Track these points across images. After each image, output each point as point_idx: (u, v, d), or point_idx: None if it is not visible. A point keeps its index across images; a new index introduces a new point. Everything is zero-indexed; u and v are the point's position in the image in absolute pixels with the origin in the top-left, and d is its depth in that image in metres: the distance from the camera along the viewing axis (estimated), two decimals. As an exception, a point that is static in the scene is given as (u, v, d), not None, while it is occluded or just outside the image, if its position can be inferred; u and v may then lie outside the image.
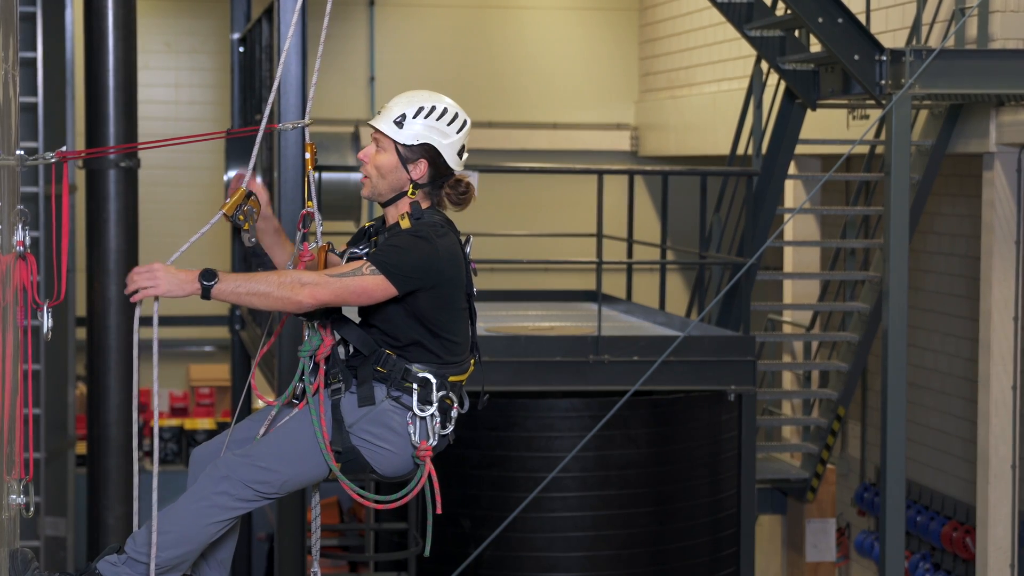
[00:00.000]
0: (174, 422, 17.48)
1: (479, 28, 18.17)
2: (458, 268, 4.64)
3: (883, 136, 10.10)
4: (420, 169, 4.65)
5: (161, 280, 4.50)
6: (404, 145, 4.63)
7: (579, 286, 14.57)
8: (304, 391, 4.66)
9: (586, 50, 18.40)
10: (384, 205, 4.72)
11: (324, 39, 4.77)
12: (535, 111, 18.22)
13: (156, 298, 4.54)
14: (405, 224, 4.63)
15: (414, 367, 4.61)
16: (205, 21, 17.99)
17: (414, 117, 4.63)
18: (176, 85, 18.10)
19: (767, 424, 12.50)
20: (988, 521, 10.29)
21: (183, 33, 18.10)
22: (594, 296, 11.69)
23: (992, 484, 10.26)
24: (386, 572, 10.55)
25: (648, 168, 15.89)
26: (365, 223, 4.91)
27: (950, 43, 10.23)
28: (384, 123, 4.64)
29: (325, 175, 11.29)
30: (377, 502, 4.71)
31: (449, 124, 4.66)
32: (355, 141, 12.74)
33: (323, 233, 4.82)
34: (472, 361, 4.77)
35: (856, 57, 9.72)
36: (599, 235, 10.48)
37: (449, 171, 4.69)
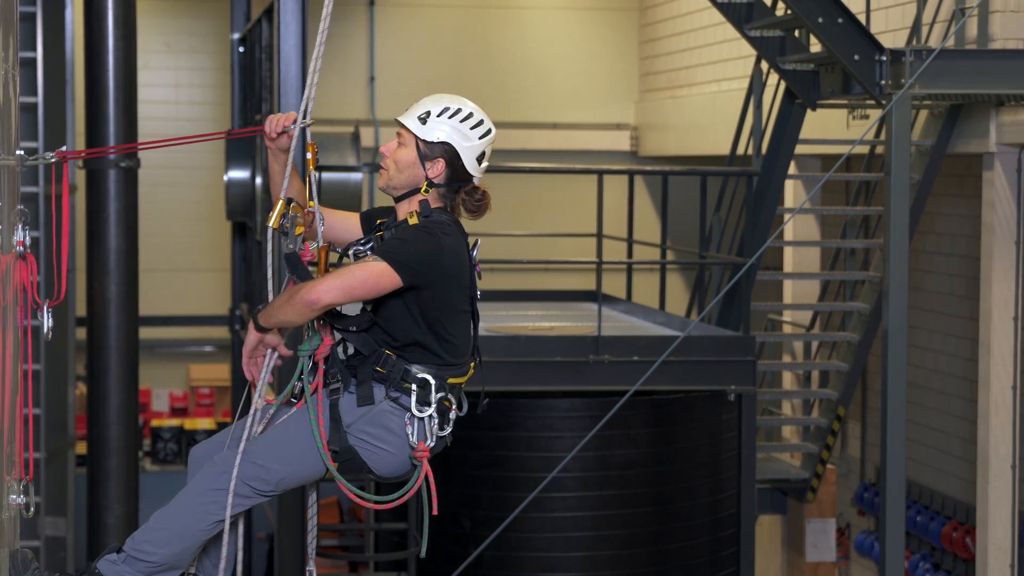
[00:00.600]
0: (174, 422, 17.46)
1: (479, 28, 18.16)
2: (461, 268, 4.65)
3: (883, 136, 10.10)
4: (437, 168, 4.68)
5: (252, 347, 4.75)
6: (425, 141, 4.66)
7: (579, 286, 14.57)
8: (303, 390, 4.67)
9: (586, 50, 18.40)
10: (397, 200, 4.75)
11: (323, 40, 4.77)
12: (535, 111, 18.21)
13: None
14: (413, 221, 4.66)
15: (414, 368, 4.61)
16: (205, 21, 17.98)
17: (438, 116, 4.67)
18: (176, 85, 18.09)
19: (767, 424, 12.50)
20: (988, 521, 10.28)
21: (183, 33, 18.09)
22: (594, 296, 11.69)
23: (992, 484, 10.26)
24: (386, 572, 10.55)
25: (648, 168, 15.88)
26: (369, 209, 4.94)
27: (950, 43, 10.23)
28: (409, 118, 4.69)
29: (325, 175, 11.29)
30: (374, 502, 4.71)
31: (472, 128, 4.69)
32: (355, 141, 12.74)
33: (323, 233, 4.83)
34: (472, 364, 4.77)
35: (856, 57, 9.72)
36: (599, 235, 10.48)
37: (466, 175, 4.72)
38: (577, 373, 9.82)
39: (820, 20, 9.74)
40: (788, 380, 13.65)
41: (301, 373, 4.68)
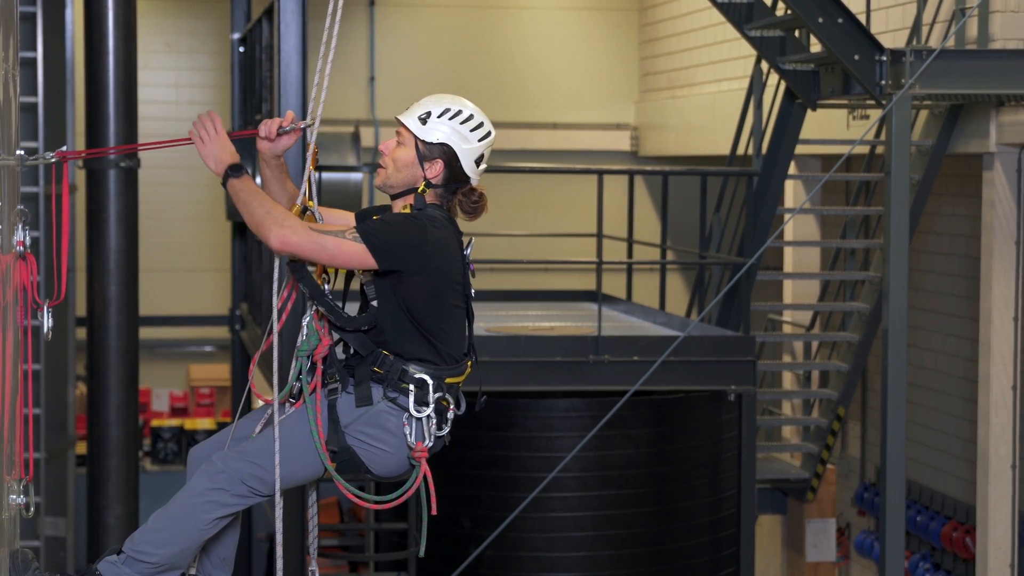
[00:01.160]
0: (174, 422, 17.47)
1: (479, 28, 18.17)
2: (450, 263, 4.63)
3: (883, 136, 10.10)
4: (435, 169, 4.67)
5: (211, 147, 4.61)
6: (424, 142, 4.65)
7: (579, 286, 14.56)
8: (301, 390, 4.67)
9: (586, 50, 18.40)
10: (393, 198, 4.75)
11: (325, 40, 4.77)
12: (535, 111, 18.21)
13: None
14: (405, 211, 4.66)
15: (411, 368, 4.60)
16: (205, 21, 17.99)
17: (439, 116, 4.66)
18: (176, 85, 18.10)
19: (767, 424, 12.50)
20: (988, 521, 10.28)
21: (183, 33, 18.10)
22: (594, 296, 11.69)
23: (992, 484, 10.26)
24: (386, 572, 10.54)
25: (648, 168, 15.89)
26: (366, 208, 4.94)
27: (950, 43, 10.23)
28: (409, 118, 4.68)
29: (325, 175, 11.30)
30: (373, 502, 4.71)
31: (472, 130, 4.68)
32: (355, 141, 12.75)
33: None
34: (469, 363, 4.76)
35: (856, 57, 9.72)
36: (599, 235, 10.48)
37: (464, 177, 4.71)
38: (577, 373, 9.82)
39: (820, 20, 9.74)
40: (788, 380, 13.65)
41: (300, 373, 4.67)
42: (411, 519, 9.76)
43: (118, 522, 9.52)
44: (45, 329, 4.53)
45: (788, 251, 13.71)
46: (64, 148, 4.77)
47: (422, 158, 4.66)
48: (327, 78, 4.83)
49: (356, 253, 4.50)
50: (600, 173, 10.55)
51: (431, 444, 4.65)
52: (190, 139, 4.65)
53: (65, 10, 11.47)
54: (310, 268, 4.71)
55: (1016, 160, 10.22)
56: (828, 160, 12.75)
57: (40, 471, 10.84)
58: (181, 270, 17.79)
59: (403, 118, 4.70)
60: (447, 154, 4.67)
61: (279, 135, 4.72)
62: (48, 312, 4.54)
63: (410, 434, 4.60)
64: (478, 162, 4.73)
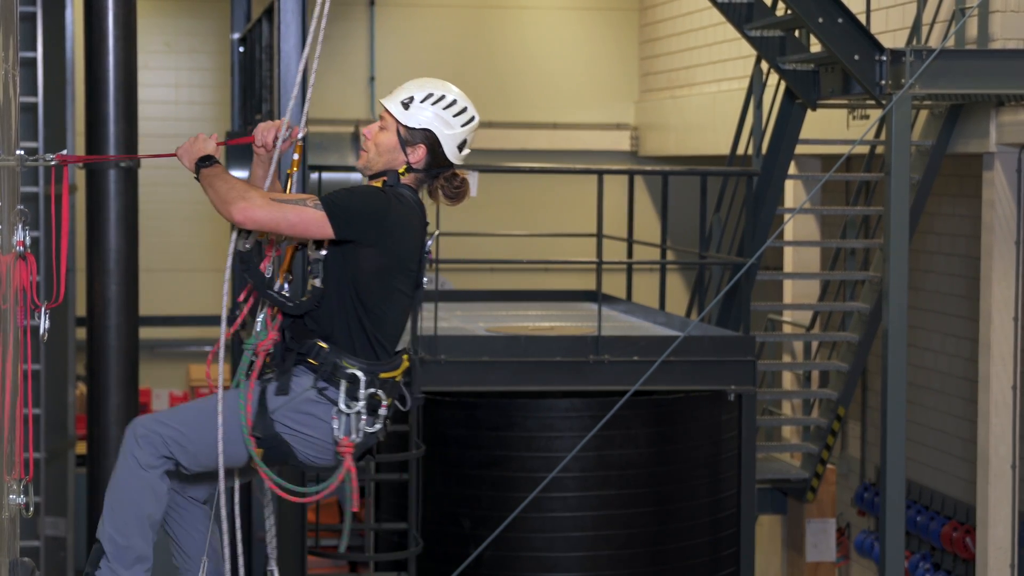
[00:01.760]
0: (174, 422, 17.44)
1: (479, 28, 18.16)
2: (406, 243, 4.60)
3: (883, 136, 10.10)
4: (418, 154, 4.64)
5: (187, 147, 4.78)
6: (406, 127, 4.63)
7: (579, 286, 14.56)
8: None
9: (586, 50, 18.40)
10: (370, 179, 4.71)
11: (311, 42, 4.76)
12: (535, 111, 18.21)
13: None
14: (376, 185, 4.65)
15: (344, 361, 4.57)
16: (205, 21, 17.98)
17: (422, 102, 4.64)
18: (176, 85, 18.10)
19: (767, 424, 12.50)
20: (988, 521, 10.28)
21: (183, 33, 18.10)
22: (594, 296, 11.68)
23: (992, 484, 10.26)
24: (386, 572, 10.54)
25: (648, 168, 15.89)
26: None
27: (950, 43, 10.23)
28: (391, 102, 4.66)
29: (325, 175, 11.29)
30: (293, 494, 4.66)
31: (455, 115, 4.66)
32: (355, 141, 12.74)
33: None
34: (406, 357, 4.71)
35: (856, 57, 9.71)
36: (599, 235, 10.48)
37: (446, 162, 4.68)
38: (577, 373, 9.82)
39: (820, 20, 9.74)
40: (788, 380, 13.65)
41: (248, 367, 4.69)
42: (411, 519, 9.76)
43: (118, 522, 9.51)
44: (42, 331, 4.53)
45: (788, 251, 13.71)
46: (64, 152, 4.78)
47: (404, 143, 4.64)
48: (313, 74, 4.81)
49: (315, 221, 4.48)
50: (600, 173, 10.55)
51: (358, 440, 4.60)
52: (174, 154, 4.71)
53: (65, 10, 11.46)
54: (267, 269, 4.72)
55: (1016, 160, 10.22)
56: (828, 160, 12.74)
57: (40, 471, 10.83)
58: (181, 270, 17.78)
59: (386, 102, 4.67)
60: (429, 139, 4.63)
61: (275, 145, 4.73)
62: (46, 314, 4.54)
63: (339, 428, 4.57)
64: (461, 147, 4.69)
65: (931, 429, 12.84)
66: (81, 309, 10.72)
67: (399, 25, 18.03)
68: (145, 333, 10.85)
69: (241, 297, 4.80)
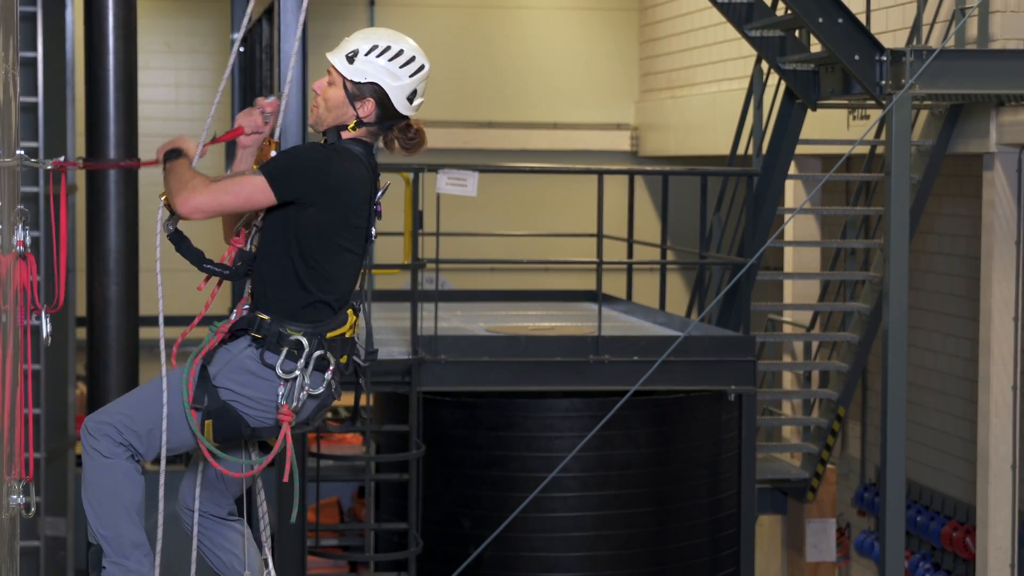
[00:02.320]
0: (174, 422, 17.44)
1: (479, 28, 18.16)
2: (350, 199, 4.52)
3: (883, 136, 10.10)
4: (367, 108, 4.57)
5: (160, 150, 4.63)
6: (352, 82, 4.55)
7: (579, 286, 14.56)
8: None
9: (586, 50, 18.40)
10: (323, 135, 4.64)
11: (299, 36, 4.77)
12: (535, 111, 18.21)
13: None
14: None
15: (287, 329, 4.53)
16: (205, 21, 17.98)
17: (366, 54, 4.55)
18: (176, 85, 18.10)
19: (767, 424, 12.50)
20: (988, 521, 10.29)
21: (183, 33, 18.09)
22: (594, 296, 11.69)
23: (992, 484, 10.26)
24: (386, 572, 10.54)
25: (648, 168, 15.89)
26: None
27: (950, 43, 10.23)
28: (336, 57, 4.58)
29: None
30: (232, 467, 4.64)
31: (402, 67, 4.59)
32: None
33: None
34: (351, 312, 4.64)
35: (856, 57, 9.72)
36: (599, 235, 10.48)
37: (397, 115, 4.61)
38: (577, 373, 9.82)
39: (820, 20, 9.74)
40: (788, 380, 13.65)
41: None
42: (411, 519, 9.76)
43: (118, 522, 9.50)
44: (44, 335, 4.53)
45: (788, 251, 13.71)
46: (63, 158, 4.78)
47: (352, 98, 4.56)
48: (288, 85, 4.80)
49: (258, 187, 4.43)
50: (600, 173, 10.55)
51: (298, 406, 4.53)
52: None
53: (65, 10, 11.45)
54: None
55: (1016, 160, 10.22)
56: (828, 160, 12.74)
57: (40, 471, 10.83)
58: (181, 270, 17.75)
59: (331, 57, 4.59)
60: (377, 93, 4.56)
61: (264, 123, 4.72)
62: (47, 318, 4.55)
63: (282, 396, 4.52)
64: (411, 98, 4.62)
65: (931, 429, 12.84)
66: (81, 309, 10.73)
67: (399, 25, 17.86)
68: (145, 333, 10.84)
69: (201, 287, 4.82)
